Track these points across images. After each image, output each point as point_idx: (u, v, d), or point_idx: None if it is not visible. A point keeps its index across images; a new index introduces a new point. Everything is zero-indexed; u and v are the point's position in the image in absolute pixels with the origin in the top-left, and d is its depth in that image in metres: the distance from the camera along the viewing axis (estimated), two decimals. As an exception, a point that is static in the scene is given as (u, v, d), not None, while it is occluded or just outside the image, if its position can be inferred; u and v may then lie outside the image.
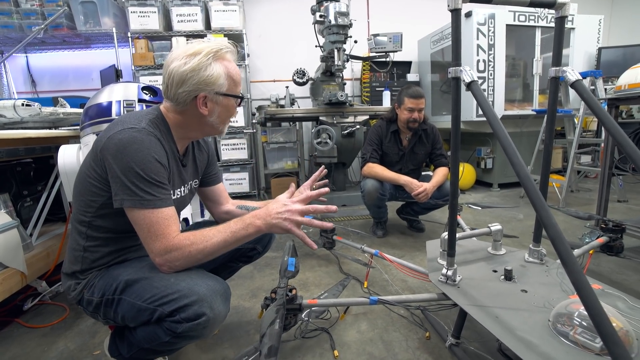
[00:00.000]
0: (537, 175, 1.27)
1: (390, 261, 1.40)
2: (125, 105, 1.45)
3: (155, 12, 3.40)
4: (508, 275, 1.09)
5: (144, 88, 1.52)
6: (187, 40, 3.39)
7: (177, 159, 0.96)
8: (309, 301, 1.10)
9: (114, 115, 1.41)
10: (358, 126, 2.91)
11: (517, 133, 3.54)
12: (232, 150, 3.61)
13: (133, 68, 3.44)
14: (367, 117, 3.04)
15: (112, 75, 3.06)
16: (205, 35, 3.49)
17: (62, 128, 1.70)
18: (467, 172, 3.58)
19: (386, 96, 3.54)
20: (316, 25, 2.88)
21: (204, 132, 0.99)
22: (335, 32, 2.74)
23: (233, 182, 3.63)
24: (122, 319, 0.87)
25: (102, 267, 0.92)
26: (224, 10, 3.50)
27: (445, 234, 1.14)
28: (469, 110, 3.21)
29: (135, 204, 0.80)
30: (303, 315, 1.21)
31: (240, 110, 3.58)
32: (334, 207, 0.86)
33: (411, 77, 4.09)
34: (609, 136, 1.89)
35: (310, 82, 3.31)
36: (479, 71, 3.21)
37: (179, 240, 0.82)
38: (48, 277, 1.56)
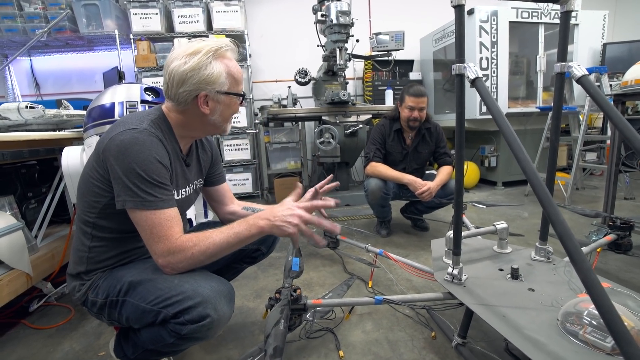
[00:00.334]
0: (542, 173, 1.25)
1: (394, 260, 1.39)
2: (128, 107, 1.45)
3: (157, 13, 3.42)
4: (515, 274, 1.08)
5: (146, 89, 1.53)
6: (189, 41, 3.40)
7: (180, 159, 0.96)
8: (314, 301, 1.10)
9: (116, 117, 1.42)
10: (361, 125, 2.90)
11: (521, 131, 3.51)
12: (235, 150, 3.61)
13: (135, 70, 3.45)
14: (370, 116, 3.03)
15: (114, 77, 3.08)
16: (207, 36, 3.49)
17: (66, 130, 1.71)
18: (471, 171, 3.56)
19: (389, 95, 3.53)
20: (318, 24, 2.87)
21: (207, 131, 0.99)
22: (337, 31, 2.74)
23: (236, 182, 3.63)
24: (127, 321, 0.87)
25: (106, 268, 0.92)
26: (225, 11, 3.50)
27: (450, 233, 1.13)
28: (473, 108, 3.19)
29: (137, 205, 0.80)
30: (308, 315, 1.21)
31: (242, 110, 3.59)
32: (338, 229, 0.88)
33: (413, 75, 4.07)
34: (615, 132, 1.87)
35: (312, 81, 3.30)
36: (481, 69, 3.18)
37: (182, 241, 0.81)
38: (53, 278, 1.56)
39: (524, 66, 3.60)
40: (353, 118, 2.96)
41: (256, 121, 3.53)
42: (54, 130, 1.67)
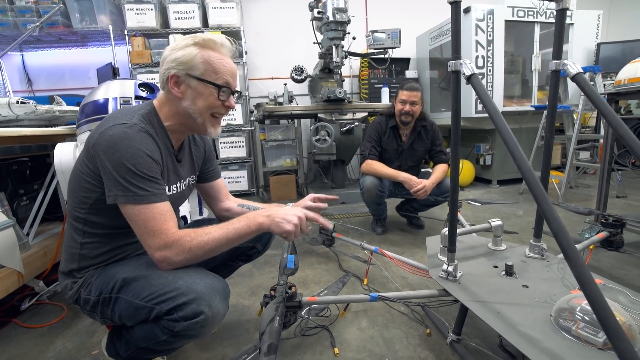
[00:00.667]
0: (537, 172, 1.26)
1: (390, 258, 1.39)
2: (122, 102, 1.43)
3: (152, 9, 3.38)
4: (509, 271, 1.08)
5: (140, 85, 1.51)
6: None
7: (171, 155, 0.95)
8: (309, 298, 1.09)
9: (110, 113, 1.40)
10: (357, 123, 2.90)
11: (516, 129, 3.53)
12: (231, 148, 3.59)
13: (130, 66, 3.41)
14: (366, 114, 3.03)
15: (109, 73, 3.05)
16: (203, 33, 3.46)
17: (59, 126, 1.69)
18: (466, 169, 3.58)
19: (385, 93, 3.52)
20: (314, 21, 2.85)
21: (188, 126, 0.94)
22: (333, 28, 2.72)
23: (232, 180, 3.61)
24: (120, 318, 0.86)
25: (99, 265, 0.91)
26: (221, 7, 3.47)
27: (445, 230, 1.14)
28: (468, 106, 3.20)
29: (129, 199, 0.79)
30: (303, 312, 1.20)
31: (238, 107, 3.57)
32: (331, 226, 0.95)
33: (410, 73, 4.07)
34: (609, 130, 1.88)
35: (308, 79, 3.29)
36: (477, 67, 3.19)
37: (179, 235, 0.80)
38: (45, 276, 1.54)
39: (520, 65, 3.61)
40: (349, 116, 2.95)
41: (252, 118, 3.51)
42: (46, 126, 1.65)
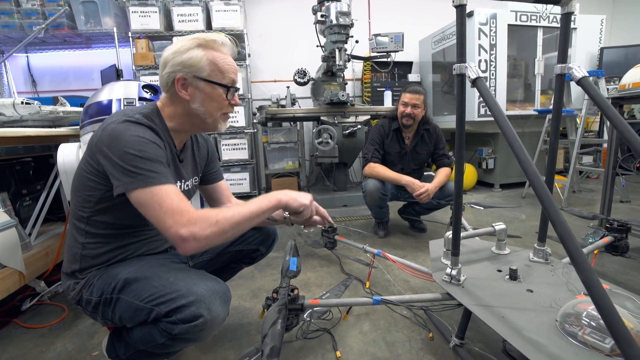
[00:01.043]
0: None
1: (392, 261, 1.38)
2: (125, 104, 1.43)
3: (156, 12, 3.40)
4: (513, 275, 1.07)
5: (144, 86, 1.51)
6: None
7: (174, 154, 0.95)
8: (311, 301, 1.09)
9: (114, 114, 1.40)
10: (359, 126, 2.90)
11: (518, 133, 3.45)
12: (233, 150, 3.60)
13: (134, 68, 3.43)
14: (369, 117, 3.03)
15: (112, 75, 3.06)
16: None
17: (62, 127, 1.69)
18: (468, 173, 3.57)
19: (387, 96, 3.53)
20: (317, 25, 2.87)
21: (195, 125, 0.94)
22: (336, 31, 2.73)
23: (234, 182, 3.61)
24: (120, 319, 0.86)
25: (101, 265, 0.90)
26: (225, 10, 3.49)
27: (449, 233, 1.13)
28: (471, 110, 3.20)
29: (140, 183, 0.75)
30: (305, 315, 1.19)
31: (241, 110, 3.57)
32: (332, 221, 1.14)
33: (412, 77, 4.08)
34: (613, 134, 1.88)
35: (311, 82, 3.30)
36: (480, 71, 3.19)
37: (203, 212, 0.77)
38: (47, 277, 1.54)
39: (522, 69, 3.61)
40: (351, 119, 2.96)
41: (254, 121, 3.51)
42: (50, 127, 1.65)
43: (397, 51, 3.15)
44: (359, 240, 1.75)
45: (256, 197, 0.88)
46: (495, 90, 3.26)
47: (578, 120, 2.94)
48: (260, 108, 3.19)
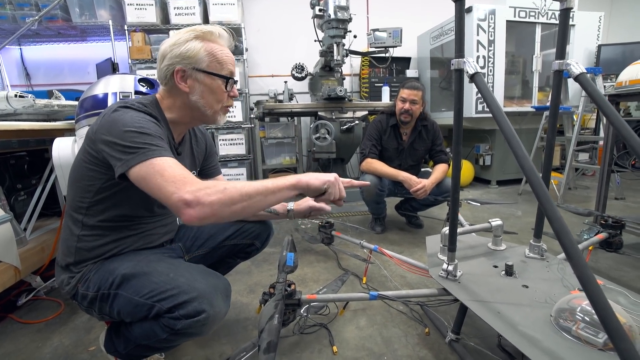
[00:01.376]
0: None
1: (389, 257, 1.39)
2: (121, 97, 1.42)
3: (152, 4, 3.35)
4: (509, 271, 1.08)
5: (140, 80, 1.50)
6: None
7: (172, 147, 0.94)
8: (308, 296, 1.09)
9: (109, 108, 1.39)
10: (357, 122, 2.89)
11: (515, 130, 3.51)
12: (230, 145, 3.58)
13: (130, 61, 3.39)
14: (366, 112, 3.02)
15: (108, 68, 3.02)
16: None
17: (57, 121, 1.67)
18: (465, 169, 3.58)
19: (385, 92, 3.52)
20: (315, 19, 2.84)
21: (194, 117, 0.94)
22: (334, 26, 2.71)
23: (231, 177, 3.60)
24: (118, 315, 0.85)
25: (97, 259, 0.90)
26: (222, 4, 3.45)
27: (445, 229, 1.13)
28: (468, 106, 3.20)
29: (141, 157, 0.72)
30: (302, 310, 1.20)
31: (238, 105, 3.55)
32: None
33: (410, 73, 4.07)
34: (609, 131, 1.88)
35: (309, 77, 3.28)
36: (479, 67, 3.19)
37: (209, 181, 0.76)
38: (42, 272, 1.53)
39: (520, 66, 3.61)
40: (349, 114, 2.95)
41: (252, 116, 3.50)
42: (44, 120, 1.63)
43: (395, 46, 3.13)
44: (356, 236, 1.75)
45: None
46: (493, 86, 3.26)
47: (575, 117, 2.95)
48: (257, 103, 3.18)
